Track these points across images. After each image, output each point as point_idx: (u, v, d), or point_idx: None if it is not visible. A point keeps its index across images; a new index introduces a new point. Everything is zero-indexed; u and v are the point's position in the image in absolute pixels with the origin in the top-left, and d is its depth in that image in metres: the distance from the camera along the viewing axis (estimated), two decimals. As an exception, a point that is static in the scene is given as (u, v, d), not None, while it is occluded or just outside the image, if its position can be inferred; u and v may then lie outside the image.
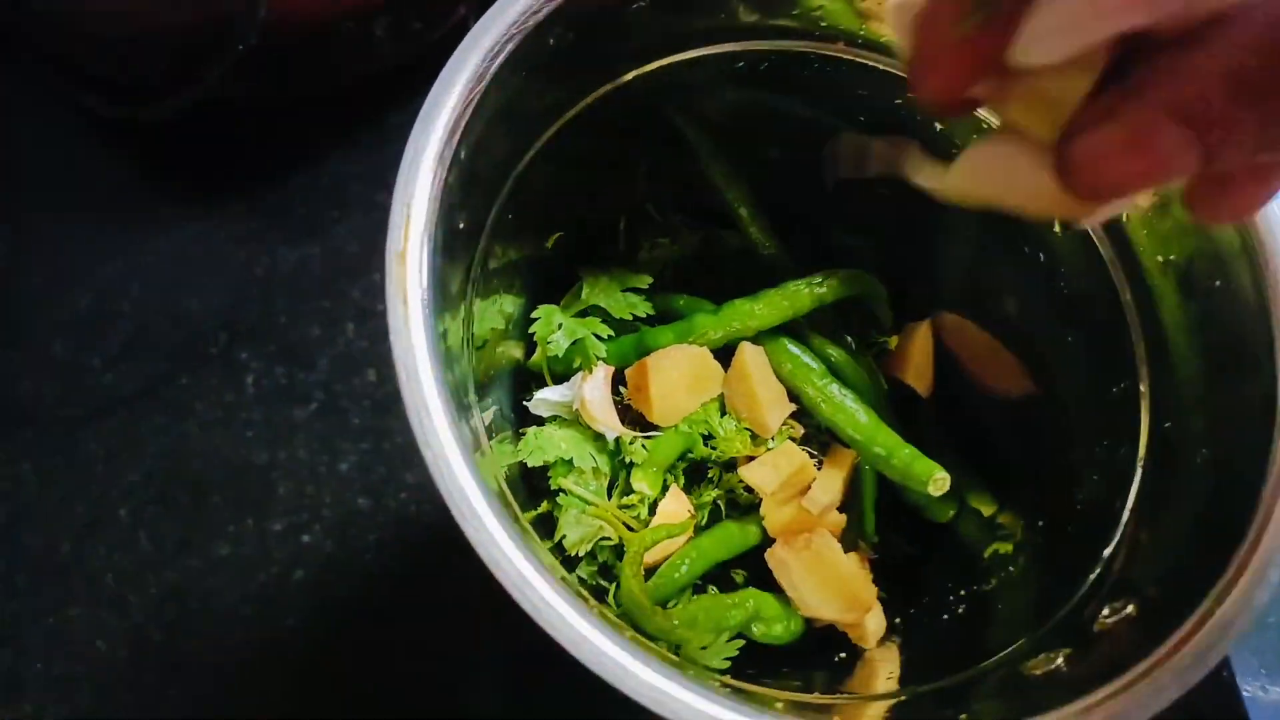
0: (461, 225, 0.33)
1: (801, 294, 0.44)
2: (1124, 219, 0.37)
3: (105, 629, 0.55)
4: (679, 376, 0.41)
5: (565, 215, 0.43)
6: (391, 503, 0.58)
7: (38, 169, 0.64)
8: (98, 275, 0.62)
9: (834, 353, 0.44)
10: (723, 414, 0.43)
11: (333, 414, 0.60)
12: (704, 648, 0.36)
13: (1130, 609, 0.32)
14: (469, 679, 0.55)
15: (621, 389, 0.43)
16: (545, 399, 0.42)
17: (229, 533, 0.57)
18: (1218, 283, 0.34)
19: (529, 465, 0.42)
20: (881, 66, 0.41)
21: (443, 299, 0.30)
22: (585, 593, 0.35)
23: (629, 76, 0.39)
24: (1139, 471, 0.37)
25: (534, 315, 0.42)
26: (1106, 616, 0.32)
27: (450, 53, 0.66)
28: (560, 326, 0.42)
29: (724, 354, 0.44)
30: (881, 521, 0.45)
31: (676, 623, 0.37)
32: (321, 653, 0.55)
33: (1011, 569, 0.40)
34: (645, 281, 0.44)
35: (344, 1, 0.56)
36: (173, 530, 0.57)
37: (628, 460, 0.43)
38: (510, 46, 0.31)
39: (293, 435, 0.59)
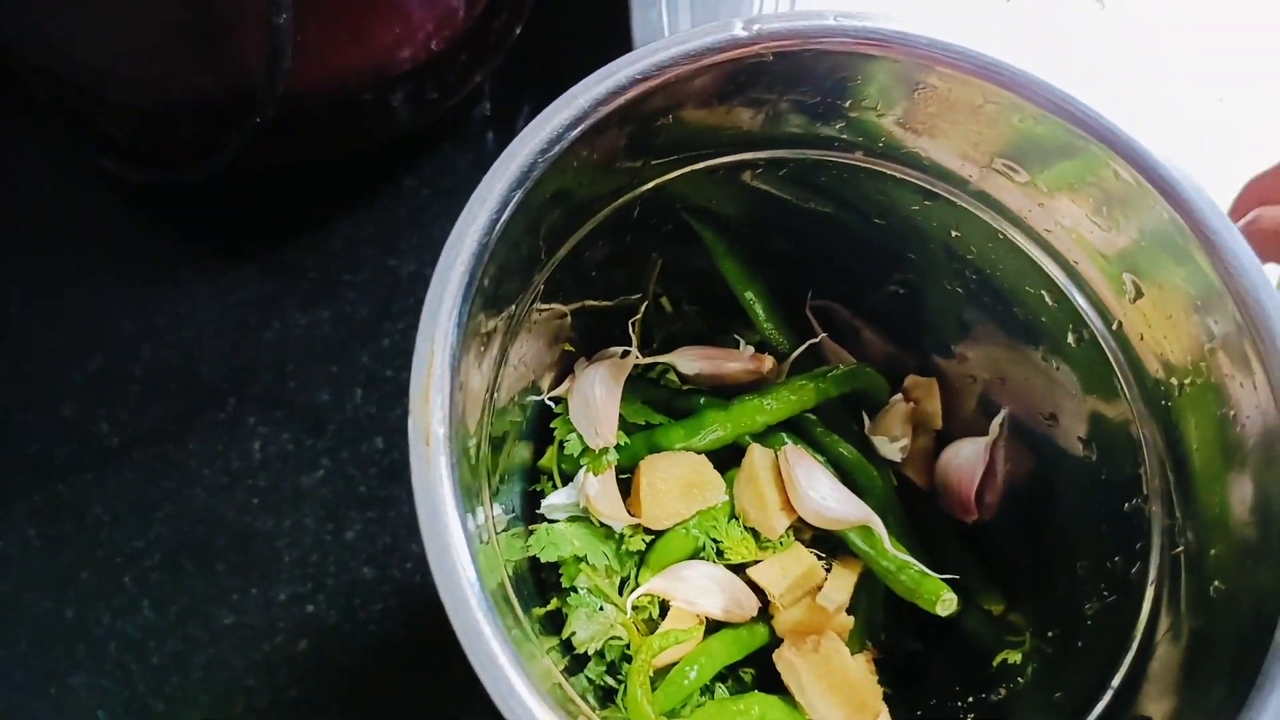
0: (483, 346, 0.33)
1: (807, 389, 0.45)
2: (1139, 338, 0.38)
3: (107, 698, 0.55)
4: (672, 482, 0.42)
5: (581, 318, 0.44)
6: (396, 573, 0.58)
7: (54, 229, 0.64)
8: (110, 336, 0.62)
9: (846, 451, 0.44)
10: (731, 518, 0.43)
11: (339, 481, 0.60)
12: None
13: (1143, 748, 0.32)
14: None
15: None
16: (555, 504, 0.42)
17: (233, 601, 0.57)
18: (1231, 413, 0.34)
19: (541, 560, 0.42)
20: (899, 175, 0.41)
21: (463, 422, 0.31)
22: (581, 702, 0.35)
23: (649, 186, 0.39)
24: (1149, 594, 0.37)
25: (556, 411, 0.42)
26: (1118, 754, 0.32)
27: (462, 119, 0.67)
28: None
29: (735, 456, 0.44)
30: (887, 615, 0.45)
31: (683, 732, 0.37)
32: (323, 724, 0.55)
33: (1020, 680, 0.41)
34: (673, 382, 0.45)
35: (363, 75, 0.57)
36: (177, 597, 0.57)
37: (632, 551, 0.43)
38: (536, 173, 0.31)
39: (299, 502, 0.59)
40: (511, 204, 0.31)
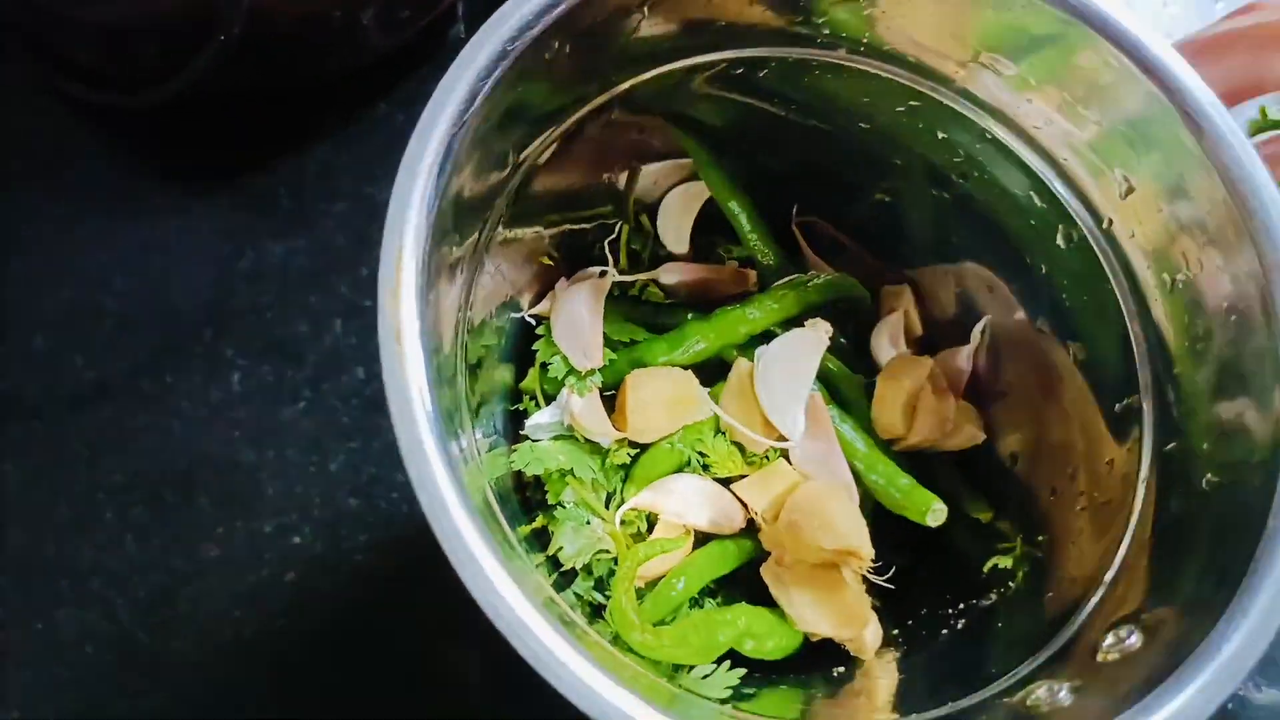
0: (455, 254, 0.32)
1: (789, 297, 0.44)
2: (1130, 236, 0.37)
3: (92, 632, 0.54)
4: (656, 396, 0.41)
5: (559, 230, 0.42)
6: (382, 502, 0.57)
7: (17, 158, 0.62)
8: (80, 267, 0.61)
9: (832, 364, 0.44)
10: (718, 432, 0.42)
11: (321, 412, 0.59)
12: (705, 676, 0.36)
13: (1134, 640, 0.31)
14: (462, 678, 0.55)
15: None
16: (539, 423, 0.42)
17: (217, 534, 0.56)
18: (1223, 305, 0.33)
19: (526, 474, 0.42)
20: (884, 74, 0.39)
21: (437, 329, 0.30)
22: (574, 615, 0.35)
23: (625, 85, 0.38)
24: (1140, 491, 0.36)
25: (538, 332, 0.42)
26: (1110, 646, 0.32)
27: (438, 40, 0.65)
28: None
29: (723, 371, 0.43)
30: (874, 527, 0.45)
31: (665, 641, 0.36)
32: (312, 653, 0.55)
33: (1011, 584, 0.40)
34: (657, 296, 0.44)
35: (330, -10, 0.55)
36: (160, 531, 0.56)
37: (618, 465, 0.42)
38: (504, 65, 0.30)
39: (281, 434, 0.58)
40: (480, 95, 0.30)
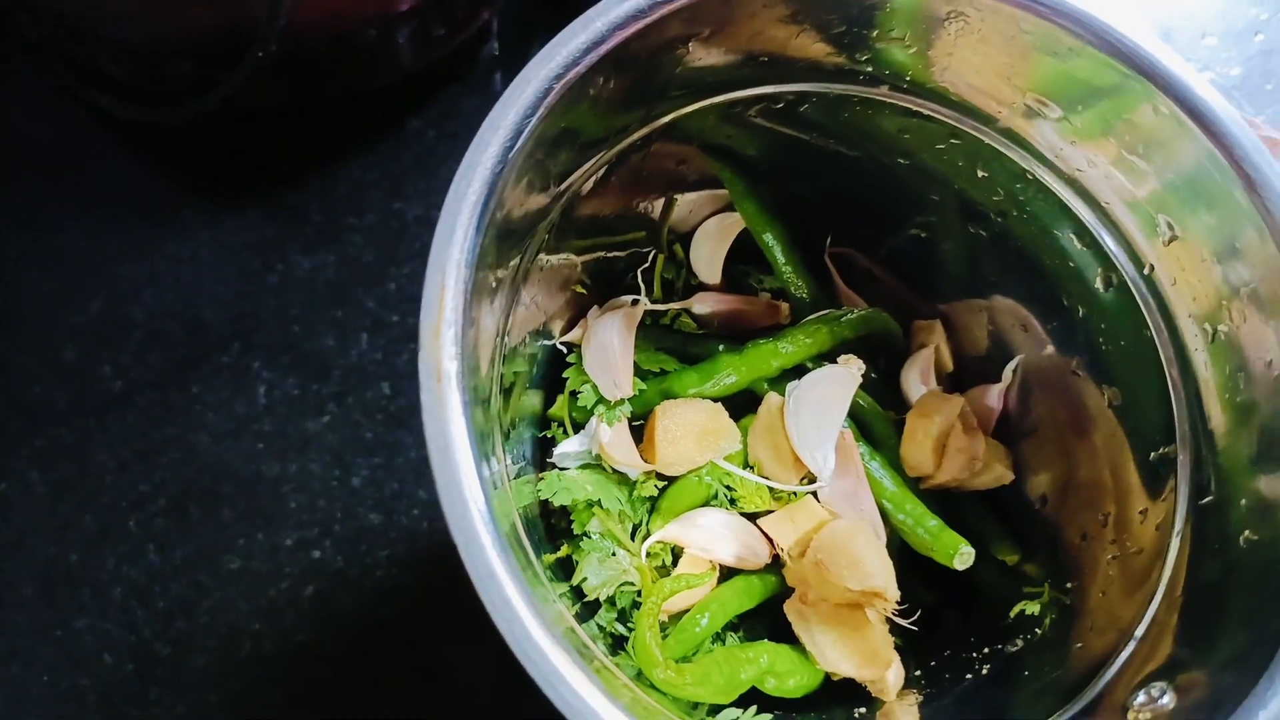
0: (494, 284, 0.32)
1: (821, 332, 0.44)
2: (1172, 283, 0.36)
3: (112, 642, 0.54)
4: (687, 427, 0.41)
5: (593, 257, 0.42)
6: (403, 519, 0.58)
7: (52, 170, 0.63)
8: (110, 279, 0.61)
9: (862, 401, 0.43)
10: (746, 466, 0.42)
11: (346, 427, 0.59)
12: (716, 713, 0.36)
13: (1167, 699, 0.31)
14: (481, 697, 0.55)
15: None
16: (567, 451, 0.42)
17: (239, 546, 0.56)
18: (1268, 360, 0.33)
19: (553, 504, 0.41)
20: (926, 111, 0.39)
21: (475, 363, 0.29)
22: (595, 647, 0.35)
23: (668, 118, 0.38)
24: (1174, 544, 0.36)
25: (569, 360, 0.41)
26: (1142, 705, 0.31)
27: (470, 57, 0.65)
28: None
29: (752, 404, 0.43)
30: (900, 566, 0.44)
31: (688, 678, 0.36)
32: (331, 668, 0.55)
33: (1038, 631, 0.40)
34: (688, 326, 0.44)
35: (367, 9, 0.55)
36: (182, 543, 0.56)
37: (645, 496, 0.42)
38: (550, 100, 0.30)
39: (305, 448, 0.58)
40: (525, 131, 0.30)
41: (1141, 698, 0.32)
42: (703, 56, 0.35)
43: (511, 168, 0.29)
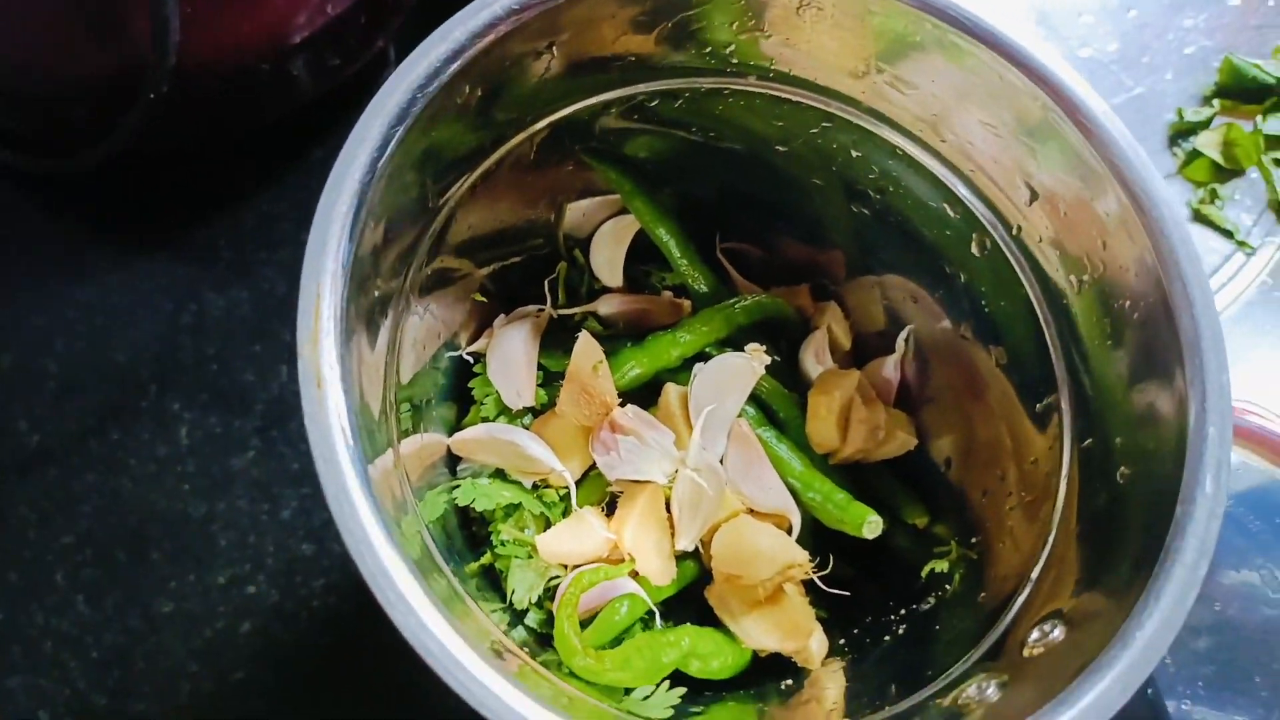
0: (377, 293, 0.32)
1: (717, 319, 0.45)
2: (1038, 240, 0.38)
3: (46, 698, 0.54)
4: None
5: (492, 267, 0.43)
6: (336, 546, 0.57)
7: (-50, 227, 0.62)
8: (19, 332, 0.60)
9: (767, 384, 0.44)
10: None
11: (271, 460, 0.59)
12: (646, 697, 0.36)
13: (1058, 633, 0.32)
14: (432, 714, 0.55)
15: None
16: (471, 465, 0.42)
17: (171, 589, 0.56)
18: (1127, 302, 0.35)
19: (476, 509, 0.42)
20: (794, 98, 0.41)
21: (359, 372, 0.30)
22: (519, 652, 0.35)
23: (542, 124, 0.39)
24: (1063, 487, 0.38)
25: (475, 370, 0.42)
26: (1035, 641, 0.33)
27: (371, 84, 0.66)
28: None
29: (652, 393, 0.44)
30: (814, 540, 0.45)
31: (608, 665, 0.37)
32: (271, 702, 0.54)
33: (948, 587, 0.41)
34: (595, 328, 0.45)
35: (258, 44, 0.55)
36: (112, 590, 0.56)
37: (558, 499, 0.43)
38: (415, 110, 0.31)
39: (231, 484, 0.58)
40: (393, 141, 0.31)
41: (1035, 634, 0.33)
42: (567, 61, 0.36)
43: (381, 177, 0.30)
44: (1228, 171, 0.64)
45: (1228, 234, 0.63)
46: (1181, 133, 0.66)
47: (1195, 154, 0.64)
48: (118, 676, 0.54)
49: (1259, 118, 0.65)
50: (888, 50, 0.37)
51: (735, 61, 0.39)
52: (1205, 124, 0.65)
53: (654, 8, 0.36)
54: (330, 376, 0.28)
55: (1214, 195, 0.63)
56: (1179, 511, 0.31)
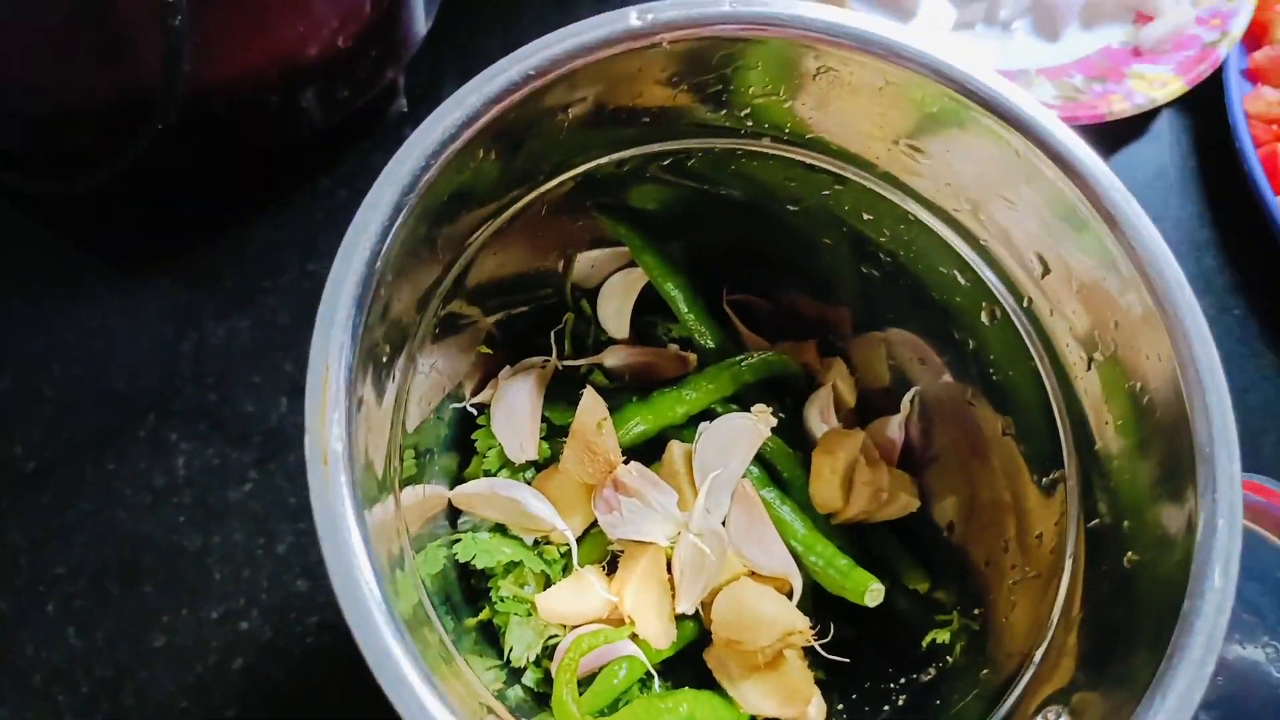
0: (385, 358, 0.32)
1: (723, 377, 0.45)
2: (1049, 313, 0.38)
3: (34, 730, 0.53)
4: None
5: (497, 317, 0.43)
6: (330, 583, 0.57)
7: (-48, 247, 0.62)
8: (18, 354, 0.60)
9: (772, 443, 0.44)
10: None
11: (268, 493, 0.58)
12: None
13: (1064, 719, 0.32)
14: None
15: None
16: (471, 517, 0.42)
17: (163, 622, 0.55)
18: (1138, 384, 0.34)
19: (477, 566, 0.41)
20: (808, 160, 0.41)
21: (366, 439, 0.30)
22: (504, 714, 0.35)
23: (555, 182, 0.38)
24: (1068, 566, 0.37)
25: (479, 421, 0.42)
26: (1040, 728, 0.32)
27: (378, 116, 0.66)
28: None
29: (656, 447, 0.44)
30: (815, 602, 0.45)
31: (607, 732, 0.37)
32: (262, 743, 0.54)
33: (949, 659, 0.41)
34: (601, 380, 0.44)
35: (267, 75, 0.55)
36: (103, 622, 0.55)
37: (558, 556, 0.43)
38: (429, 177, 0.31)
39: (227, 517, 0.58)
40: (405, 209, 0.30)
41: (1040, 718, 0.33)
42: (582, 122, 0.36)
43: (393, 245, 0.30)
44: None
45: None
46: None
47: None
48: (107, 711, 0.54)
49: None
50: (902, 119, 0.37)
51: (750, 124, 0.39)
52: None
53: (671, 72, 0.35)
54: (337, 452, 0.27)
55: None
56: (1186, 606, 0.31)
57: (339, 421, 0.28)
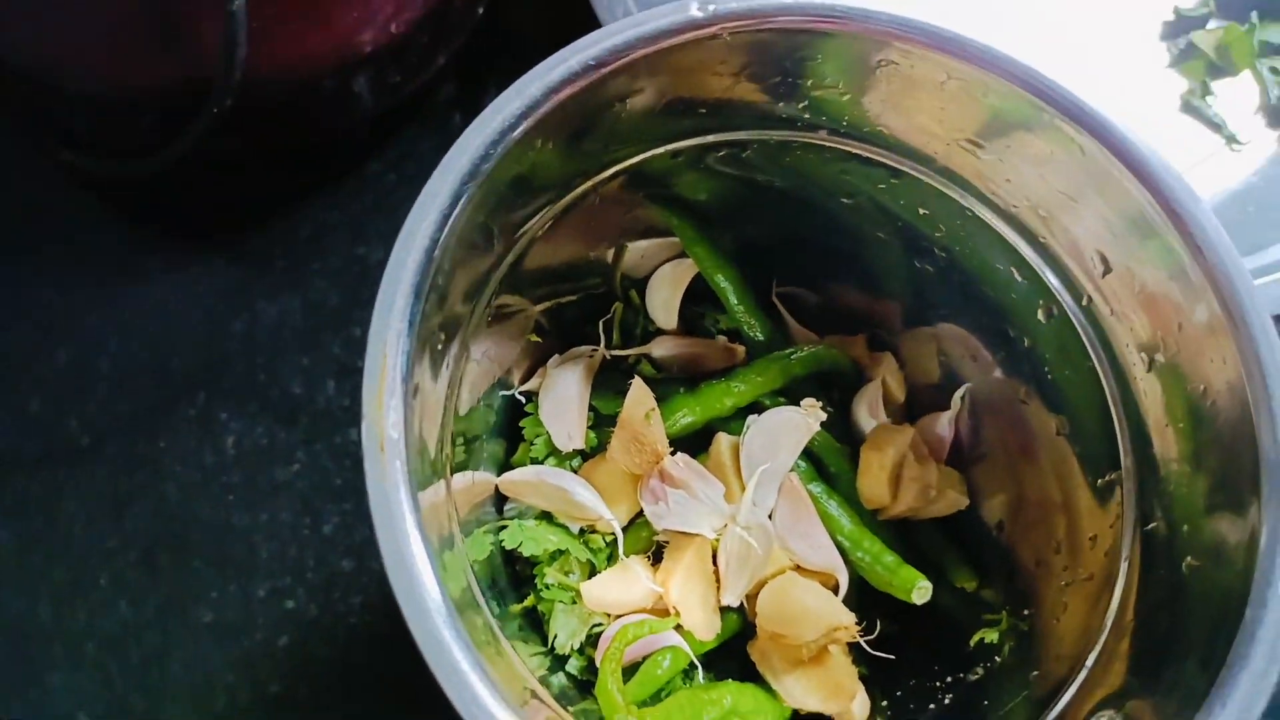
0: (440, 345, 0.32)
1: (772, 370, 0.45)
2: (1109, 314, 0.37)
3: (86, 697, 0.54)
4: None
5: (548, 305, 0.43)
6: (375, 564, 0.58)
7: (16, 223, 0.63)
8: (77, 330, 0.61)
9: (819, 437, 0.44)
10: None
11: (315, 474, 0.59)
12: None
13: (1116, 728, 0.32)
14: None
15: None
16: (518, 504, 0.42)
17: (211, 598, 0.56)
18: (1201, 386, 0.34)
19: (523, 554, 0.42)
20: (864, 154, 0.40)
21: (420, 424, 0.30)
22: (552, 701, 0.35)
23: (610, 172, 0.38)
24: (1123, 570, 0.37)
25: (527, 410, 0.42)
26: (1092, 733, 0.32)
27: (428, 99, 0.66)
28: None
29: (703, 439, 0.44)
30: (860, 597, 0.45)
31: (648, 722, 0.37)
32: (306, 718, 0.55)
33: (998, 659, 0.40)
34: (649, 370, 0.44)
35: (323, 60, 0.55)
36: (154, 594, 0.56)
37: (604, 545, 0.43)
38: (487, 166, 0.31)
39: (275, 496, 0.58)
40: (464, 198, 0.30)
41: (1091, 725, 0.32)
42: (641, 113, 0.36)
43: (451, 233, 0.30)
44: (1222, 69, 0.65)
45: (1216, 127, 0.64)
46: (1178, 26, 0.66)
47: (1191, 48, 0.64)
48: (156, 681, 0.55)
49: (1254, 16, 0.65)
50: (963, 114, 0.36)
51: (807, 116, 0.39)
52: (1202, 22, 0.66)
53: (730, 62, 0.35)
54: (393, 439, 0.28)
55: (1206, 90, 0.64)
56: (1249, 615, 0.30)
57: (396, 409, 0.28)
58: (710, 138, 0.39)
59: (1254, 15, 0.65)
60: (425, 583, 0.27)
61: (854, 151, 0.40)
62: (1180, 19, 0.66)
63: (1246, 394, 0.31)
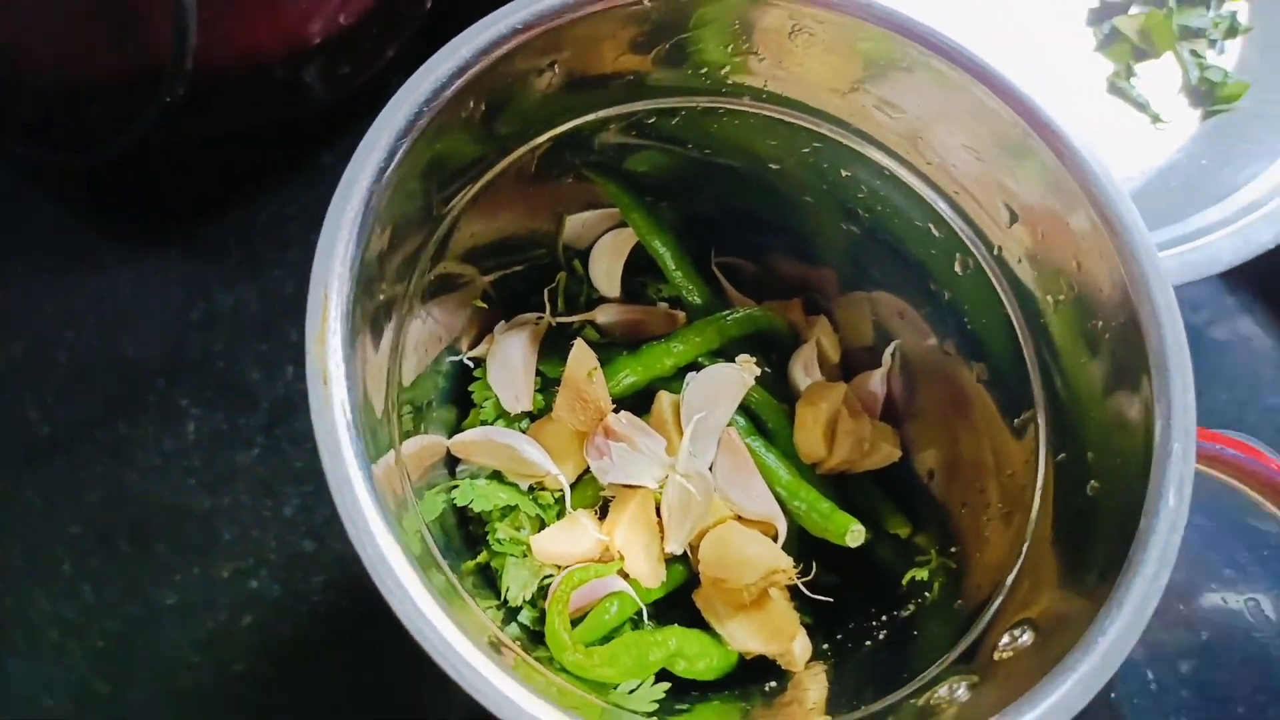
0: (382, 296, 0.34)
1: (709, 331, 0.47)
2: (1018, 260, 0.40)
3: (49, 683, 0.55)
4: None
5: (494, 275, 0.45)
6: (336, 544, 0.59)
7: (-34, 220, 0.64)
8: (32, 321, 0.62)
9: (757, 394, 0.46)
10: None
11: (275, 457, 0.60)
12: (631, 691, 0.38)
13: (1026, 638, 0.34)
14: (418, 711, 0.56)
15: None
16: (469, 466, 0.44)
17: (174, 581, 0.57)
18: (1099, 321, 0.36)
19: (471, 510, 0.43)
20: (786, 119, 0.42)
21: (364, 371, 0.32)
22: (513, 645, 0.37)
23: (543, 138, 0.40)
24: (1037, 500, 0.39)
25: (475, 375, 0.44)
26: (1005, 645, 0.34)
27: (381, 93, 0.67)
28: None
29: (646, 400, 0.45)
30: (803, 549, 0.47)
31: (596, 660, 0.38)
32: (271, 695, 0.56)
33: (927, 595, 0.43)
34: (593, 336, 0.46)
35: (272, 51, 0.57)
36: (116, 579, 0.57)
37: (552, 501, 0.44)
38: (421, 123, 0.32)
39: (235, 480, 0.59)
40: (400, 152, 0.32)
41: (1006, 639, 0.34)
42: (568, 78, 0.37)
43: (388, 186, 0.32)
44: (1145, 52, 0.67)
45: (1141, 107, 0.66)
46: (1103, 12, 0.69)
47: (1115, 33, 0.67)
48: (119, 664, 0.56)
49: (1171, 1, 0.68)
50: (875, 73, 0.39)
51: (730, 83, 0.41)
52: (1124, 8, 0.68)
53: (652, 29, 0.37)
54: (336, 374, 0.29)
55: (1130, 72, 0.67)
56: (1142, 524, 0.32)
57: (337, 345, 0.29)
58: (639, 105, 0.41)
59: (1172, 0, 0.68)
60: (368, 506, 0.28)
61: (777, 116, 0.42)
62: (1104, 5, 0.69)
63: (1133, 308, 0.33)
